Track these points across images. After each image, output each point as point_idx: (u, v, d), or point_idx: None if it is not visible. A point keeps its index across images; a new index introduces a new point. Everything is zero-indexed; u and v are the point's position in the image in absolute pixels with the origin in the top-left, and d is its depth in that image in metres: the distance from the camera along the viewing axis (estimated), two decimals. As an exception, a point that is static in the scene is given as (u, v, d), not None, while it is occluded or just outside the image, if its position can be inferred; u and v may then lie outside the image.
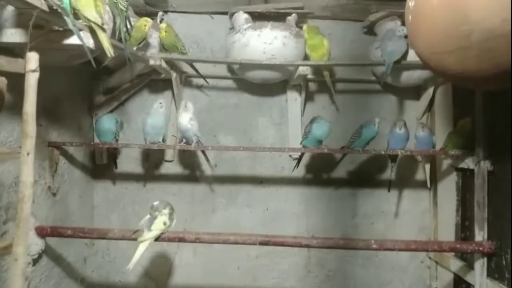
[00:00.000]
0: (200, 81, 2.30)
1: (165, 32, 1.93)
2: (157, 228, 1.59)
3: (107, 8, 1.51)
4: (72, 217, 2.05)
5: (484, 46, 1.11)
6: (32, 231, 1.65)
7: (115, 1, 1.53)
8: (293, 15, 2.07)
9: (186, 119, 1.92)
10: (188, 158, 2.34)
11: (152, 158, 2.32)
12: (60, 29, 1.31)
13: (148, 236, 1.58)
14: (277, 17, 2.05)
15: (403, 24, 1.98)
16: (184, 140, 1.97)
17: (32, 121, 1.12)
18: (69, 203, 2.04)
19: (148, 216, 1.62)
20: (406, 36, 1.85)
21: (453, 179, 2.11)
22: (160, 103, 1.97)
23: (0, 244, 1.34)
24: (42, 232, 1.68)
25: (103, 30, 1.31)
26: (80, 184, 2.16)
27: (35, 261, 1.71)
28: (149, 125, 1.94)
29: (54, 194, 1.88)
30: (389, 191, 2.23)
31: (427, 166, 2.22)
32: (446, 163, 2.18)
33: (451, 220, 2.12)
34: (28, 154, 1.13)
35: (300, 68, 1.97)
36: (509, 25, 1.04)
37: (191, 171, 2.36)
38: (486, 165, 1.77)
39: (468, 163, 1.90)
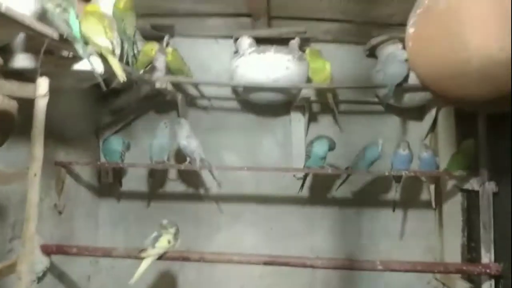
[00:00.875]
0: (205, 102, 2.34)
1: (172, 56, 1.98)
2: (161, 246, 1.61)
3: (116, 34, 1.56)
4: (77, 235, 2.07)
5: (483, 72, 1.13)
6: (38, 249, 1.67)
7: (123, 27, 1.58)
8: (296, 39, 2.12)
9: (182, 137, 1.95)
10: (191, 177, 2.35)
11: (156, 177, 2.34)
12: (70, 55, 1.35)
13: (152, 253, 1.60)
14: (281, 41, 2.10)
15: (404, 47, 2.01)
16: (188, 159, 1.99)
17: (39, 144, 1.16)
18: (75, 221, 2.05)
19: (155, 233, 1.65)
20: (407, 60, 1.88)
21: (458, 200, 2.10)
22: (165, 123, 2.01)
23: (5, 262, 1.35)
24: (47, 250, 1.69)
25: (114, 55, 1.35)
26: (85, 203, 2.18)
27: (39, 279, 1.72)
28: (155, 146, 1.98)
29: (60, 213, 1.91)
30: (393, 211, 2.22)
31: (432, 187, 2.22)
32: (450, 183, 2.17)
33: (457, 241, 2.10)
34: (35, 175, 1.16)
35: (303, 90, 2.00)
36: (507, 52, 1.07)
37: (195, 189, 2.37)
38: (491, 186, 1.77)
39: (472, 184, 1.90)
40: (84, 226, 2.16)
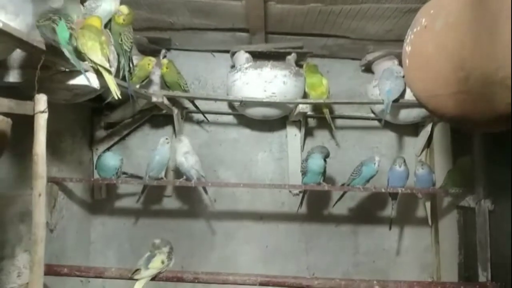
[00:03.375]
0: (201, 116, 2.32)
1: (166, 68, 1.97)
2: (154, 266, 1.58)
3: (112, 48, 1.56)
4: (68, 253, 2.02)
5: (480, 91, 1.13)
6: (27, 269, 1.62)
7: (120, 42, 1.58)
8: (292, 54, 2.13)
9: (180, 153, 1.93)
10: (187, 194, 2.32)
11: (150, 193, 2.30)
12: (67, 70, 1.34)
13: (145, 274, 1.57)
14: (277, 56, 2.11)
15: (400, 63, 2.03)
16: (184, 176, 1.96)
17: (42, 161, 1.13)
18: (66, 239, 2.01)
19: (148, 253, 1.61)
20: (403, 76, 1.90)
21: (454, 217, 2.09)
22: (167, 138, 1.98)
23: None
24: (37, 271, 1.64)
25: (109, 72, 1.34)
26: (77, 220, 2.14)
27: (28, 301, 1.66)
28: (156, 162, 1.94)
29: (51, 231, 1.86)
30: (390, 229, 2.20)
31: (428, 204, 2.21)
32: (446, 200, 2.17)
33: (454, 258, 2.09)
34: (39, 195, 1.13)
35: (300, 105, 2.00)
36: (504, 71, 1.07)
37: (190, 206, 2.34)
38: (486, 204, 1.77)
39: (468, 201, 1.90)
40: (76, 244, 2.11)
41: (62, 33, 1.15)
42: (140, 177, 2.12)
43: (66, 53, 1.18)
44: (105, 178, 1.97)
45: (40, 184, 1.12)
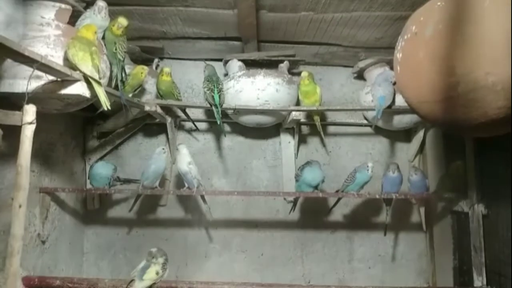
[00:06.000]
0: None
1: (167, 76, 1.97)
2: (149, 278, 1.57)
3: (105, 57, 1.56)
4: (61, 265, 1.99)
5: (470, 97, 1.14)
6: (19, 281, 1.59)
7: (115, 51, 1.58)
8: (285, 62, 2.14)
9: (184, 163, 1.93)
10: (182, 202, 2.31)
11: (144, 203, 2.28)
12: (58, 79, 1.33)
13: (140, 286, 1.55)
14: (270, 64, 2.12)
15: (391, 69, 2.05)
16: (186, 185, 1.96)
17: (26, 173, 1.11)
18: (59, 250, 1.98)
19: (144, 262, 1.60)
20: (395, 83, 1.91)
21: (448, 222, 2.10)
22: (163, 148, 1.98)
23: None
24: (29, 283, 1.63)
25: (99, 84, 1.33)
26: (70, 231, 2.11)
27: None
28: (152, 171, 1.93)
29: (43, 242, 1.83)
30: (385, 235, 2.20)
31: (422, 209, 2.22)
32: (440, 206, 2.18)
33: (449, 263, 2.09)
34: (20, 206, 1.10)
35: (293, 112, 2.01)
36: (494, 77, 1.08)
37: (184, 215, 2.32)
38: (480, 208, 1.78)
39: (462, 206, 1.91)
40: (69, 255, 2.08)
41: None
42: (134, 180, 2.11)
43: None
44: (98, 188, 1.96)
45: (22, 195, 1.10)
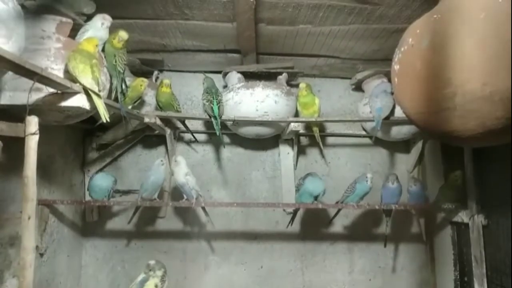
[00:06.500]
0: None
1: (166, 87, 1.98)
2: (147, 291, 1.54)
3: (105, 69, 1.57)
4: (59, 278, 1.97)
5: (467, 108, 1.15)
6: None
7: (115, 63, 1.59)
8: (283, 74, 2.16)
9: (181, 174, 1.92)
10: (181, 214, 2.30)
11: (143, 215, 2.27)
12: (59, 92, 1.34)
13: (139, 299, 1.53)
14: (269, 76, 2.14)
15: (389, 81, 2.06)
16: (185, 197, 1.96)
17: (32, 184, 1.11)
18: (57, 263, 1.96)
19: (143, 275, 1.59)
20: (393, 93, 1.92)
21: (448, 233, 2.09)
22: (162, 160, 1.97)
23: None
24: (26, 297, 1.60)
25: (99, 96, 1.34)
26: (68, 243, 2.09)
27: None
28: (150, 183, 1.92)
29: (41, 255, 1.82)
30: (385, 246, 2.19)
31: (422, 220, 2.22)
32: (440, 216, 2.17)
33: (450, 274, 2.07)
34: (29, 218, 1.10)
35: (292, 124, 2.02)
36: (490, 87, 1.09)
37: (183, 227, 2.31)
38: (480, 219, 1.78)
39: (462, 216, 1.90)
40: (67, 268, 2.06)
41: None
42: (134, 191, 2.10)
43: None
44: (97, 200, 1.95)
45: (30, 207, 1.10)
